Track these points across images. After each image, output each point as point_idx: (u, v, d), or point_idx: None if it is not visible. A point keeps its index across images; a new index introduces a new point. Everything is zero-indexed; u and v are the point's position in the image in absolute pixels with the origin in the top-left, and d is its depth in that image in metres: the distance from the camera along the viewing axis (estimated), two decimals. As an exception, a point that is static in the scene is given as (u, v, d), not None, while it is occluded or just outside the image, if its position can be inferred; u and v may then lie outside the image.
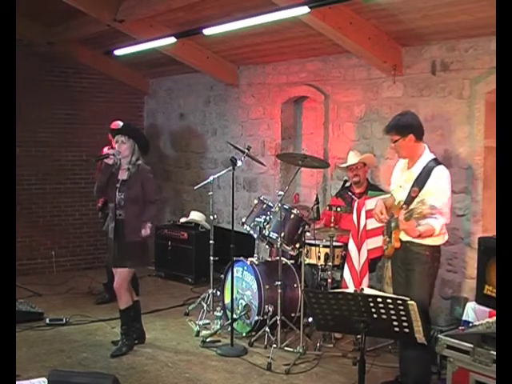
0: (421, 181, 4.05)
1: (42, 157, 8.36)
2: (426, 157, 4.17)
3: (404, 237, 4.12)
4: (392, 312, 3.09)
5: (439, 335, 3.73)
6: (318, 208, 5.42)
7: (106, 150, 6.47)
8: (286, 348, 5.23)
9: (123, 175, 5.18)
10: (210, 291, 6.24)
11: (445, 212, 3.99)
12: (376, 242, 4.96)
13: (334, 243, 5.45)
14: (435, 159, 4.18)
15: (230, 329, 5.32)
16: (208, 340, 5.46)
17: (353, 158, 5.84)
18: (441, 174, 4.06)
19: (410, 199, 4.03)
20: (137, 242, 5.11)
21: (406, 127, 4.10)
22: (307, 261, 5.50)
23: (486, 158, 5.12)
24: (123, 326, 5.25)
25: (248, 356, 5.16)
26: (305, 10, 4.92)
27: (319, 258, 5.48)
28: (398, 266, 4.29)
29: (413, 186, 4.07)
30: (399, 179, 4.29)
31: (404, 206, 4.03)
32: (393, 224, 4.15)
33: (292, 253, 5.47)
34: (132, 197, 5.10)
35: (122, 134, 5.23)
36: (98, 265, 8.07)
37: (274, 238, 5.34)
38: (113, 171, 5.20)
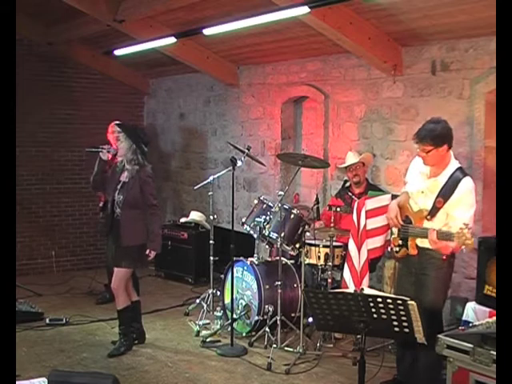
0: (447, 191, 3.94)
1: (42, 157, 8.36)
2: (453, 165, 4.04)
3: (421, 243, 4.07)
4: (392, 312, 3.09)
5: (439, 335, 3.72)
6: (318, 208, 5.42)
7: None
8: (286, 348, 5.23)
9: (124, 177, 5.17)
10: (210, 291, 6.24)
11: (471, 225, 3.86)
12: (376, 242, 4.96)
13: (334, 243, 5.45)
14: (461, 168, 4.05)
15: (230, 329, 5.32)
16: (208, 340, 5.46)
17: (352, 158, 5.85)
18: (468, 187, 3.95)
19: (434, 210, 3.97)
20: (134, 245, 5.09)
21: (442, 138, 3.92)
22: (307, 261, 5.50)
23: (485, 158, 5.12)
24: (121, 326, 5.25)
25: (248, 356, 5.17)
26: (305, 10, 4.92)
27: (319, 257, 5.48)
28: (408, 271, 4.20)
29: (438, 196, 3.97)
30: (420, 184, 4.14)
31: (428, 216, 3.98)
32: (411, 231, 4.08)
33: (292, 253, 5.47)
34: (130, 199, 5.08)
35: (120, 131, 5.25)
36: (98, 265, 8.06)
37: (274, 238, 5.34)
38: (116, 170, 5.21)
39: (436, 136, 3.90)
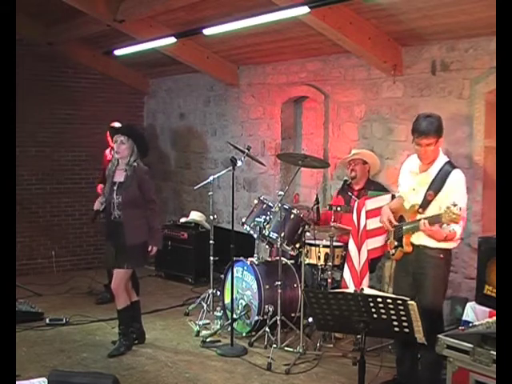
0: (437, 184, 3.98)
1: (42, 157, 8.36)
2: (442, 159, 4.09)
3: (416, 240, 4.07)
4: (392, 312, 3.09)
5: (439, 335, 3.72)
6: (318, 208, 5.42)
7: (107, 152, 6.48)
8: (286, 348, 5.23)
9: (120, 177, 5.13)
10: (210, 291, 6.24)
11: (464, 217, 3.91)
12: (376, 242, 4.97)
13: (334, 243, 5.45)
14: (450, 162, 4.10)
15: (230, 329, 5.32)
16: (208, 340, 5.46)
17: (352, 154, 5.86)
18: (458, 179, 4.00)
19: (425, 203, 3.99)
20: (136, 244, 5.09)
21: (441, 128, 4.00)
22: (307, 261, 5.49)
23: (485, 158, 5.12)
24: (121, 326, 5.25)
25: (248, 356, 5.16)
26: (305, 10, 4.92)
27: (319, 257, 5.48)
28: (405, 271, 4.18)
29: (428, 190, 4.00)
30: (411, 182, 4.18)
31: (420, 209, 3.99)
32: (405, 228, 4.09)
33: (292, 253, 5.47)
34: (130, 199, 5.06)
35: (122, 134, 5.19)
36: (98, 265, 8.07)
37: (274, 237, 5.34)
38: (109, 173, 5.20)
39: (437, 127, 3.98)
